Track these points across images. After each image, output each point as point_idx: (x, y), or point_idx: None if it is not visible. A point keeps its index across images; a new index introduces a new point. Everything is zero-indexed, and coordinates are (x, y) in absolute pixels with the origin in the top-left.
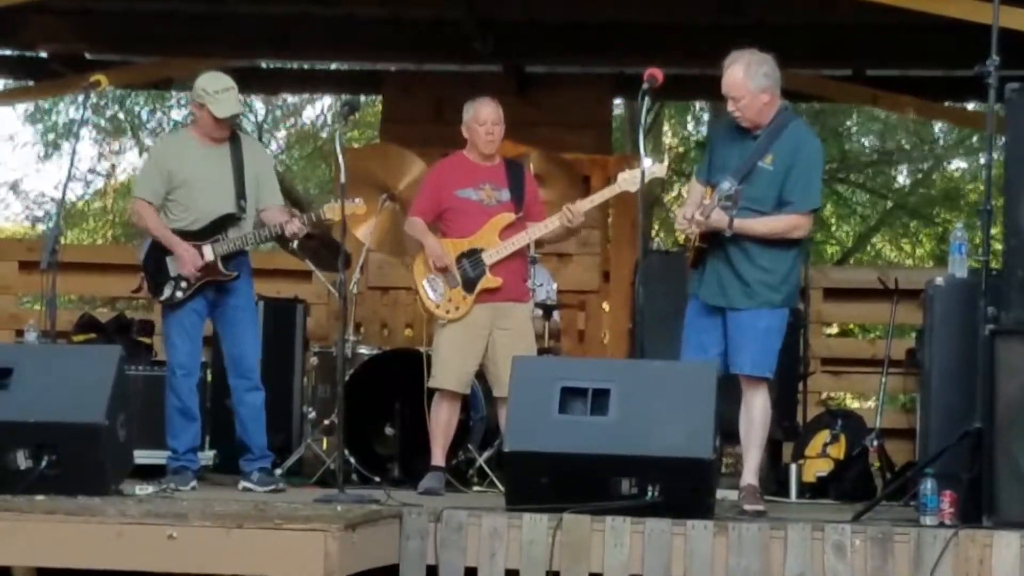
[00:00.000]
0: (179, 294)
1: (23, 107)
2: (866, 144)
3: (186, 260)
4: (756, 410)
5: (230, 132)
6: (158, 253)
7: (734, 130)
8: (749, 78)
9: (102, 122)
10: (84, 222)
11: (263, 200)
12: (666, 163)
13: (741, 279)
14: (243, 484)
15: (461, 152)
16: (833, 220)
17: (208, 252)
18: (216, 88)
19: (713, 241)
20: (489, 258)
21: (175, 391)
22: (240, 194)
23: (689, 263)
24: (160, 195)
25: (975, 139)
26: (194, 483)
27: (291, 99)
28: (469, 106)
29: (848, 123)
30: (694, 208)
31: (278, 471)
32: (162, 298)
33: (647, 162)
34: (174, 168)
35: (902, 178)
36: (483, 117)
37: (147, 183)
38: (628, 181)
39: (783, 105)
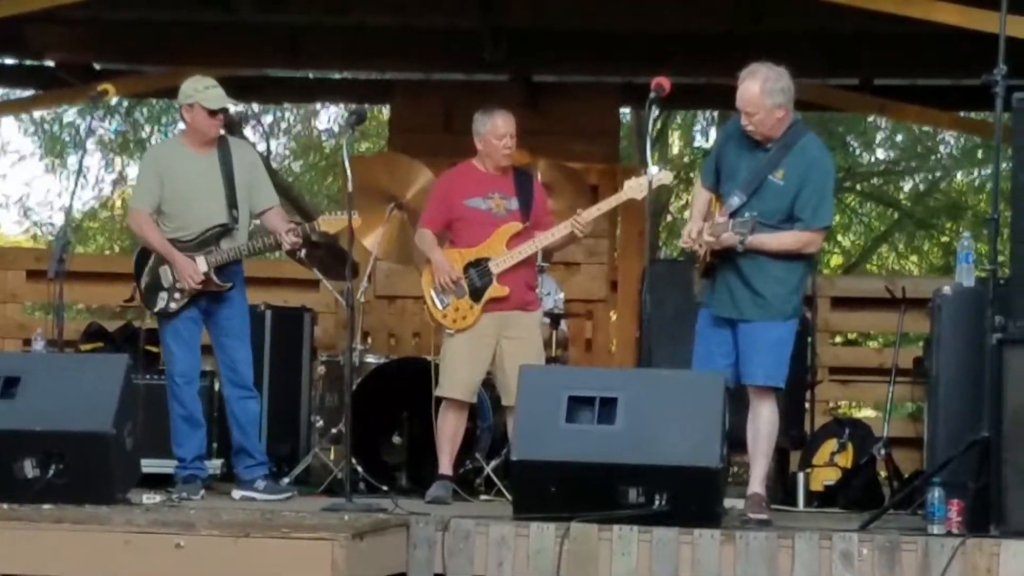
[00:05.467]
0: (172, 305)
1: (25, 122)
2: (875, 157)
3: (186, 273)
4: (763, 420)
5: (219, 137)
6: (152, 263)
7: (744, 138)
8: (765, 95)
9: (110, 132)
10: (93, 238)
11: (258, 203)
12: (671, 171)
13: (753, 291)
14: (242, 493)
15: (470, 161)
16: (839, 231)
17: (201, 263)
18: (204, 85)
19: (724, 255)
20: (496, 267)
21: (179, 399)
22: (232, 203)
23: (699, 274)
24: (156, 202)
25: (980, 153)
26: (203, 492)
27: (299, 110)
28: (484, 119)
29: (855, 133)
30: (699, 222)
31: (285, 479)
32: (156, 309)
33: (653, 169)
34: (166, 177)
35: (908, 188)
36: (501, 131)
37: (143, 191)
38: (634, 189)
39: (795, 118)
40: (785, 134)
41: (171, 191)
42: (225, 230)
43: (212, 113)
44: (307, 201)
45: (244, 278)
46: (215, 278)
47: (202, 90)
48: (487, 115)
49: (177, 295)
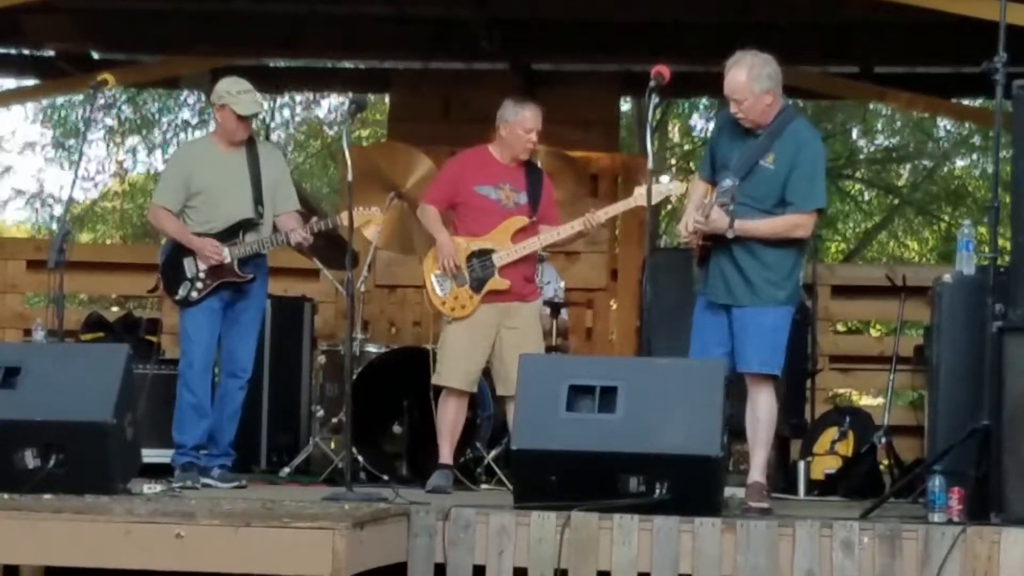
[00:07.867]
0: (194, 294)
1: (34, 110)
2: (873, 145)
3: (207, 251)
4: (762, 408)
5: (248, 137)
6: (177, 255)
7: (735, 127)
8: (752, 80)
9: (110, 121)
10: (95, 225)
11: (279, 205)
12: (684, 184)
13: (745, 277)
14: (203, 480)
15: (485, 147)
16: (839, 218)
17: (225, 254)
18: (238, 89)
19: (717, 239)
20: (499, 260)
21: (190, 387)
22: (258, 199)
23: (696, 261)
24: (180, 202)
25: (977, 138)
26: (201, 480)
27: (299, 97)
28: (515, 108)
29: (856, 121)
30: (694, 213)
31: (286, 469)
32: (177, 297)
33: (664, 179)
34: (194, 175)
35: (907, 175)
36: (529, 124)
37: (167, 190)
38: (644, 196)
39: (785, 103)
40: (775, 120)
41: (198, 187)
42: (250, 224)
43: (241, 117)
44: (307, 190)
45: (267, 271)
46: (237, 270)
47: (235, 94)
48: (519, 105)
49: (199, 284)
